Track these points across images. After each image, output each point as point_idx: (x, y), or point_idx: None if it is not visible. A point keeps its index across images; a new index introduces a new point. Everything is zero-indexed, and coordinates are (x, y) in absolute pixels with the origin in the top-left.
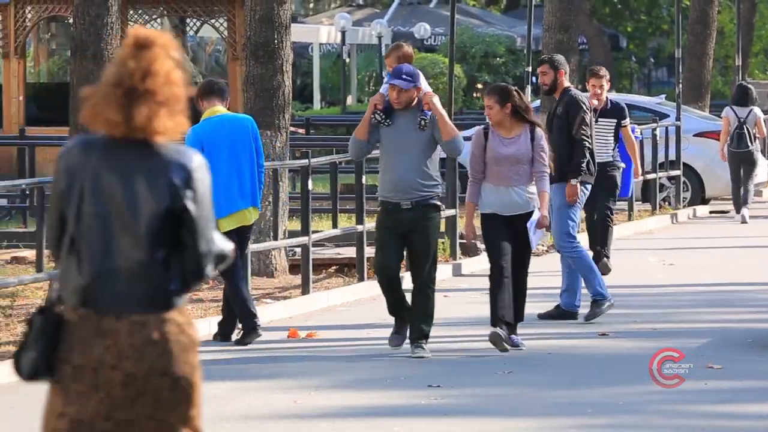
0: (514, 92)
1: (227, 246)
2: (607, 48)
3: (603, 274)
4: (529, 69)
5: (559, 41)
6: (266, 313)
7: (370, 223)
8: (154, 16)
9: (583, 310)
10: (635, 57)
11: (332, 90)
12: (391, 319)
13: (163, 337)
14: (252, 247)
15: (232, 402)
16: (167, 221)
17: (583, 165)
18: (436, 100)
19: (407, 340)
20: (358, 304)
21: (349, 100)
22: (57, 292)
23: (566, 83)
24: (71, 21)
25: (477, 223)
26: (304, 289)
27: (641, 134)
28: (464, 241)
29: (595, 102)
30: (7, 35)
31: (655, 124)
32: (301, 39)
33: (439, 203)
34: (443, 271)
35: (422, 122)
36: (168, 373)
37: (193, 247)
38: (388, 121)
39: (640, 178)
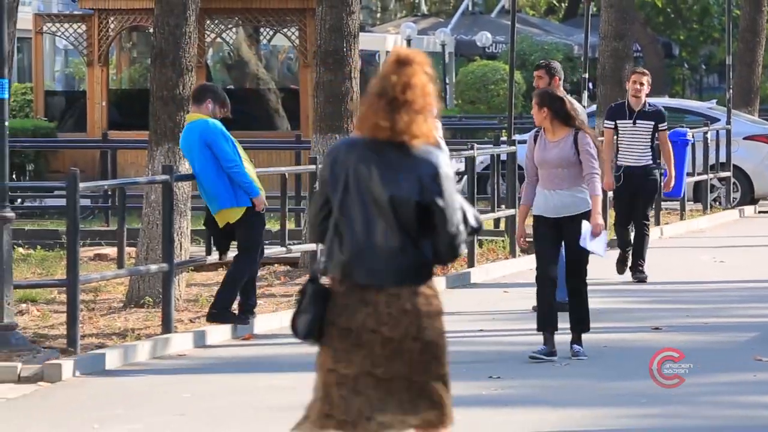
0: (557, 97)
1: (479, 221)
2: (661, 55)
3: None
4: (586, 75)
5: (614, 49)
6: None
7: None
8: (230, 26)
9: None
10: (687, 64)
11: None
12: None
13: (414, 307)
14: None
15: (301, 391)
16: (418, 209)
17: None
18: None
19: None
20: None
21: None
22: (322, 265)
23: (560, 90)
24: (151, 30)
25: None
26: None
27: (693, 137)
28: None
29: (633, 100)
30: (91, 44)
31: (706, 128)
32: (368, 47)
33: None
34: (503, 268)
35: None
36: (419, 338)
37: (443, 232)
38: None
39: (670, 188)
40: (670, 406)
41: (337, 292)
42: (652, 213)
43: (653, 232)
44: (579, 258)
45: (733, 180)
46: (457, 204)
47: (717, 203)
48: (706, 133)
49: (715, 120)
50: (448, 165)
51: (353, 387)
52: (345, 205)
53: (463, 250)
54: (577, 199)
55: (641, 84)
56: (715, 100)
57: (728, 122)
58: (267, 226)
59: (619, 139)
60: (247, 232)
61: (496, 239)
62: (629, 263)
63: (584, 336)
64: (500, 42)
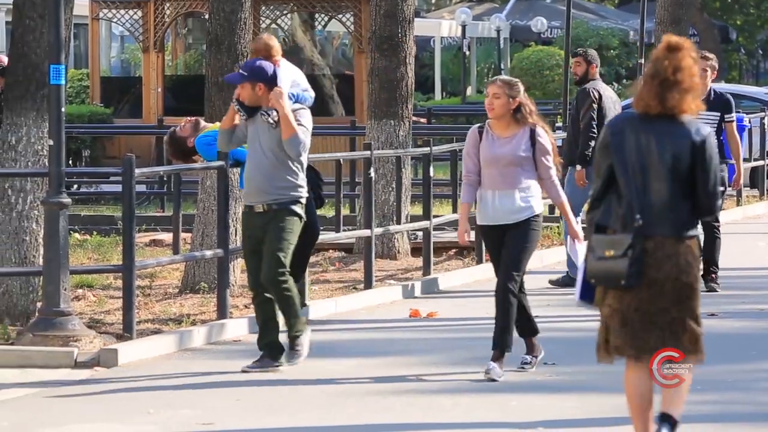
0: (522, 89)
1: (725, 184)
2: (717, 40)
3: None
4: (642, 61)
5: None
6: (389, 293)
7: None
8: (285, 12)
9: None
10: (744, 49)
11: (452, 81)
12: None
13: (676, 253)
14: (376, 230)
15: (357, 378)
16: (687, 171)
17: (588, 152)
18: (280, 96)
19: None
20: (477, 285)
21: (469, 90)
22: (610, 219)
23: (596, 77)
24: (207, 17)
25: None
26: (425, 270)
27: (750, 122)
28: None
29: None
30: (147, 30)
31: (763, 114)
32: (423, 33)
33: (295, 208)
34: (557, 254)
35: (263, 118)
36: (679, 279)
37: (704, 191)
38: (243, 115)
39: (740, 186)
40: (725, 392)
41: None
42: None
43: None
44: (510, 266)
45: None
46: (717, 168)
47: None
48: (763, 118)
49: None
50: (712, 135)
51: (622, 319)
52: (624, 168)
53: (719, 207)
54: (526, 204)
55: (704, 70)
56: None
57: None
58: (322, 212)
59: None
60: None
61: (551, 225)
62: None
63: None
64: (555, 27)
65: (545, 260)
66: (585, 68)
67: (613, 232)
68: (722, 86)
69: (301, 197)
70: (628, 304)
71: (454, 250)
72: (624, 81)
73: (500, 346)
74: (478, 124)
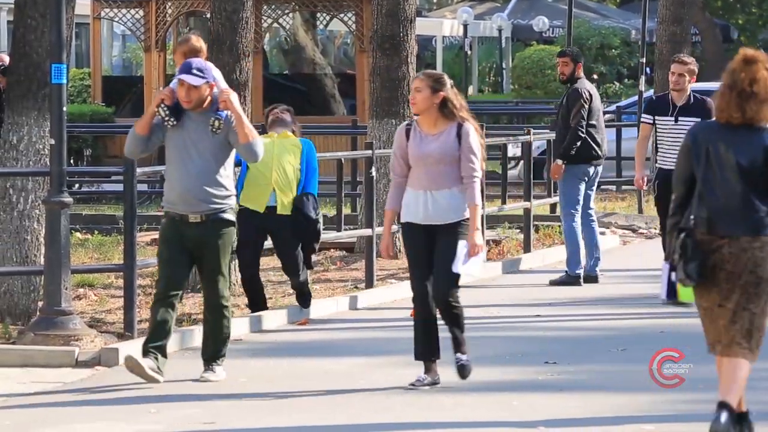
0: (450, 83)
1: None
2: (719, 40)
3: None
4: (644, 60)
5: (672, 33)
6: (390, 292)
7: (490, 208)
8: (287, 11)
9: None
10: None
11: (454, 80)
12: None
13: (752, 249)
14: (377, 230)
15: (359, 377)
16: (762, 175)
17: (573, 150)
18: (234, 98)
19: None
20: (478, 284)
21: (471, 90)
22: (691, 221)
23: (581, 76)
24: (208, 16)
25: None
26: None
27: None
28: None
29: (675, 94)
30: (148, 29)
31: None
32: (425, 32)
33: (231, 217)
34: (559, 254)
35: (216, 124)
36: (754, 273)
37: None
38: (172, 120)
39: None
40: None
41: (703, 241)
42: None
43: None
44: (452, 276)
45: None
46: None
47: None
48: None
49: None
50: None
51: (711, 317)
52: (706, 173)
53: None
54: (456, 203)
55: (681, 75)
56: None
57: None
58: (323, 211)
59: (658, 138)
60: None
61: (553, 224)
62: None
63: (642, 321)
64: (557, 26)
65: (547, 259)
66: (572, 68)
67: (700, 234)
68: (715, 86)
69: (234, 204)
70: (713, 300)
71: None
72: (626, 80)
73: (461, 350)
74: (406, 122)
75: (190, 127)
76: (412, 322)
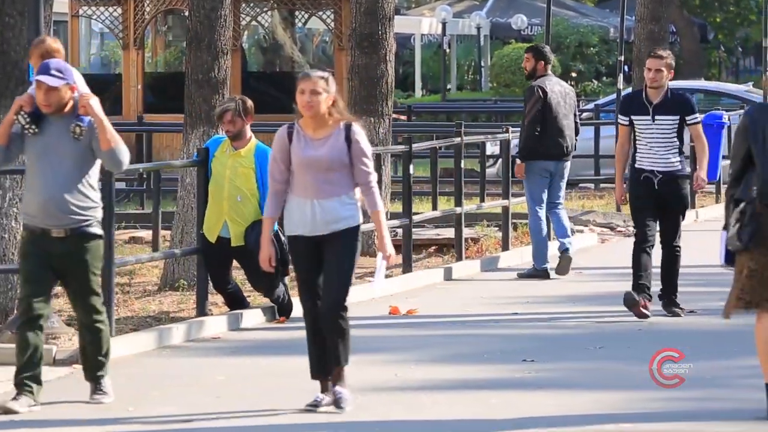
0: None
1: None
2: (697, 38)
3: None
4: (622, 58)
5: (650, 31)
6: (369, 290)
7: (468, 206)
8: (265, 9)
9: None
10: (723, 47)
11: (433, 78)
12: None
13: None
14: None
15: None
16: None
17: (527, 149)
18: (95, 102)
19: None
20: (456, 283)
21: (449, 88)
22: (754, 192)
23: (546, 73)
24: (187, 14)
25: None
26: (405, 267)
27: (729, 120)
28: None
29: (651, 91)
30: (127, 28)
31: (742, 111)
32: (403, 30)
33: (98, 231)
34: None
35: (77, 130)
36: None
37: None
38: (33, 128)
39: (701, 184)
40: (705, 389)
41: (761, 213)
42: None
43: (687, 217)
44: (340, 288)
45: None
46: None
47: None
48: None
49: (752, 103)
50: None
51: (760, 278)
52: (761, 150)
53: None
54: (347, 212)
55: (659, 70)
56: (751, 83)
57: None
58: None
59: (636, 138)
60: None
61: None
62: (663, 299)
63: (619, 320)
64: (536, 25)
65: (525, 257)
66: (533, 64)
67: (760, 205)
68: (702, 84)
69: (100, 216)
70: (764, 264)
71: (434, 248)
72: (604, 78)
73: (339, 365)
74: (287, 125)
75: (50, 133)
76: (391, 320)
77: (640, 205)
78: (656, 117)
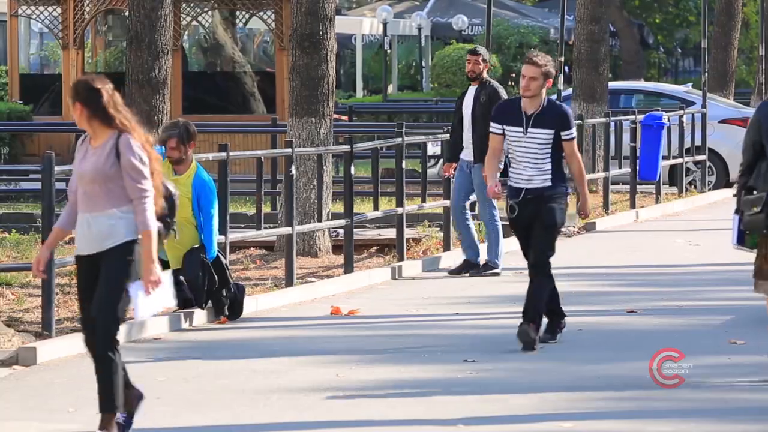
0: (93, 89)
1: None
2: (636, 39)
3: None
4: (562, 59)
5: (590, 32)
6: (310, 291)
7: (410, 206)
8: (206, 9)
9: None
10: (663, 47)
11: (374, 79)
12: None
13: None
14: (297, 228)
15: (279, 376)
16: None
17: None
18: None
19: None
20: (398, 283)
21: (390, 88)
22: (748, 185)
23: (486, 75)
24: (127, 14)
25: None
26: (347, 268)
27: (668, 121)
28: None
29: (525, 101)
30: (66, 27)
31: (681, 111)
32: (344, 30)
33: None
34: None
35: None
36: None
37: None
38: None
39: (586, 214)
40: (645, 389)
41: None
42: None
43: (627, 217)
44: (105, 319)
45: (708, 163)
46: None
47: (692, 186)
48: (681, 116)
49: (691, 103)
50: None
51: None
52: None
53: None
54: (116, 227)
55: (533, 78)
56: (690, 84)
57: (704, 106)
58: (243, 210)
59: (508, 150)
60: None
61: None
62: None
63: (567, 319)
64: (476, 25)
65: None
66: (481, 67)
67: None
68: (641, 84)
69: None
70: None
71: (375, 248)
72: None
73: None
74: (86, 133)
75: None
76: (333, 321)
77: (513, 225)
78: (529, 130)
